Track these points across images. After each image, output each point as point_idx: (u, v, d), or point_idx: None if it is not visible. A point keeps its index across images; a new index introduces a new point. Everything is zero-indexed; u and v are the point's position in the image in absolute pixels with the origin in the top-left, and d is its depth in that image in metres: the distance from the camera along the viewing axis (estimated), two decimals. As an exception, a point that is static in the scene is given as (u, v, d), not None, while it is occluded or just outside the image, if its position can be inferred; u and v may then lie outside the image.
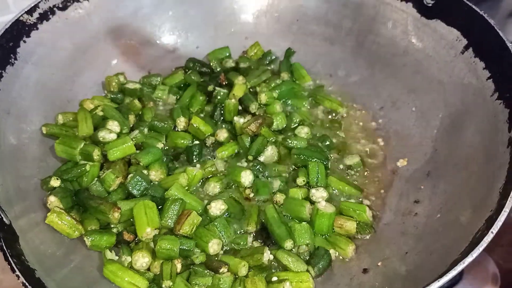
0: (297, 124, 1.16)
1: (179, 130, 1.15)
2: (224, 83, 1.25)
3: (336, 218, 0.96)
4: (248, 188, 1.05)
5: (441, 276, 0.70)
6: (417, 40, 1.12)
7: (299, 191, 1.01)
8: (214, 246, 0.92)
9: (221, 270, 0.88)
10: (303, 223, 0.95)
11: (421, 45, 1.11)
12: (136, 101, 1.18)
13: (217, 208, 0.98)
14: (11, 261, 0.75)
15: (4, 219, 0.82)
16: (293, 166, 1.09)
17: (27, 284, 0.74)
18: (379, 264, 0.91)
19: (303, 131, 1.14)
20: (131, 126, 1.13)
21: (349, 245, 0.94)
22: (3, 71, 0.99)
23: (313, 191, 1.01)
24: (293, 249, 0.93)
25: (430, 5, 1.08)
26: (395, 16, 1.15)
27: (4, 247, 0.76)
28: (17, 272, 0.74)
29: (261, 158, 1.09)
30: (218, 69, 1.29)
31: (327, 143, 1.12)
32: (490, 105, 0.93)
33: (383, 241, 0.95)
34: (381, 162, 1.11)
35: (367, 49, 1.23)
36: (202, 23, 1.32)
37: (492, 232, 0.72)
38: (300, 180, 1.03)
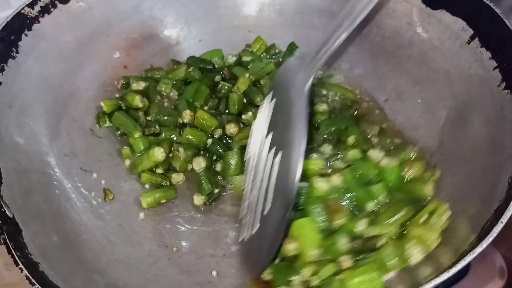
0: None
1: (185, 123, 1.14)
2: (227, 78, 1.24)
3: (400, 166, 0.97)
4: None
5: (450, 266, 0.69)
6: (422, 31, 1.10)
7: (357, 151, 1.02)
8: (361, 225, 0.90)
9: (380, 243, 0.86)
10: (377, 181, 0.95)
11: (426, 36, 1.10)
12: (145, 99, 1.17)
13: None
14: (14, 254, 0.74)
15: (7, 212, 0.81)
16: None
17: (30, 277, 0.73)
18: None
19: (321, 107, 1.15)
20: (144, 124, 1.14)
21: (427, 185, 0.94)
22: (4, 65, 0.98)
23: (369, 152, 1.02)
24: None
25: (435, -5, 1.07)
26: (400, 7, 1.14)
27: (8, 240, 0.75)
28: (21, 265, 0.73)
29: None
30: (219, 66, 1.28)
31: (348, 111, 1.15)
32: (497, 95, 0.92)
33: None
34: (387, 154, 1.10)
35: (371, 41, 1.21)
36: (205, 17, 1.30)
37: (502, 222, 0.71)
38: (352, 139, 1.04)
